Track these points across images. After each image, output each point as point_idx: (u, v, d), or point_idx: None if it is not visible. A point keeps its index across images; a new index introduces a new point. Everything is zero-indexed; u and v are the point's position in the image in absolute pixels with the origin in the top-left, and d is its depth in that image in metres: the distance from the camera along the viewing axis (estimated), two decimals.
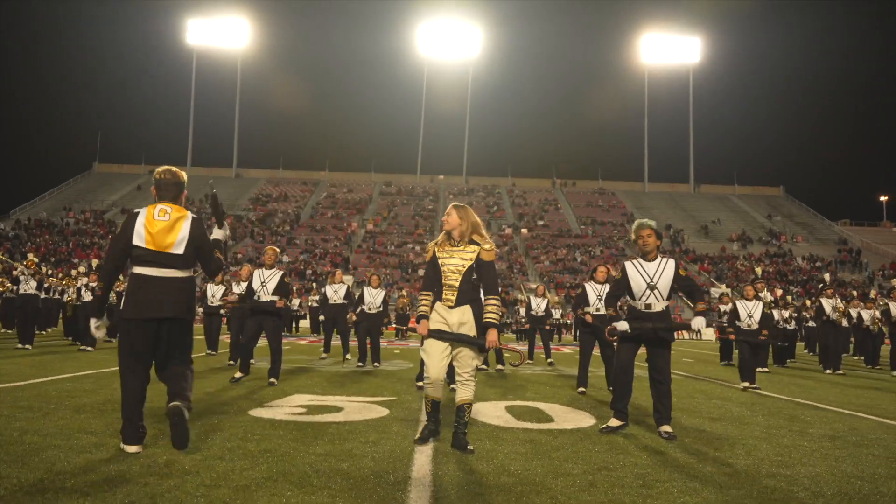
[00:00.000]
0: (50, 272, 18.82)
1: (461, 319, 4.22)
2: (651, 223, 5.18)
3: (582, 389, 7.51)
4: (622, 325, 5.04)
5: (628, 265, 5.19)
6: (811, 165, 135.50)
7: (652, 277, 5.04)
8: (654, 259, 5.10)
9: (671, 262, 5.10)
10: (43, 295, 14.40)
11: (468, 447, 4.07)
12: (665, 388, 5.03)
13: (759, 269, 34.43)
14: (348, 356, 11.38)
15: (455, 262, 4.26)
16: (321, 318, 14.72)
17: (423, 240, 49.60)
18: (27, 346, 11.49)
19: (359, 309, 10.38)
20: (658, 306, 5.04)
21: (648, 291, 5.03)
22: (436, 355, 4.22)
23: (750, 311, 9.12)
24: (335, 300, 11.18)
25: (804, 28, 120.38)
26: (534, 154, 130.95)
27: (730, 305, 14.72)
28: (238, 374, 7.71)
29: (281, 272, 7.96)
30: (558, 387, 8.12)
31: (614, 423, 5.01)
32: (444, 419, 4.57)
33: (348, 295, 11.27)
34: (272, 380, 7.44)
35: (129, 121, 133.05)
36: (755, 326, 9.03)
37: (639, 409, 6.13)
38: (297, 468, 3.48)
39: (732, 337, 8.98)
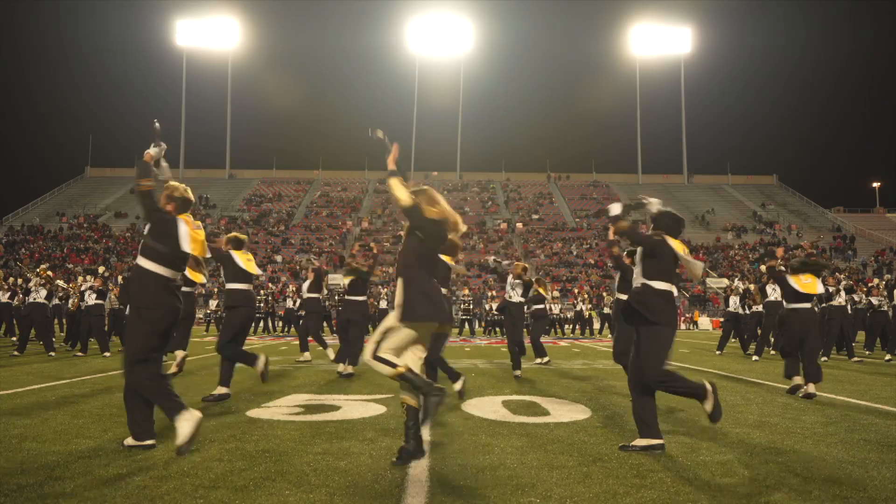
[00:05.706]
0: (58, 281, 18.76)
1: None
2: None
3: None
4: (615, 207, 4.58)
5: None
6: (804, 153, 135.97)
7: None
8: None
9: None
10: (52, 303, 14.35)
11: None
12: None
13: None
14: (307, 353, 10.89)
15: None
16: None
17: None
18: (51, 353, 11.71)
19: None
20: (636, 282, 4.75)
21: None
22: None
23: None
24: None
25: (795, 15, 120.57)
26: (527, 148, 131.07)
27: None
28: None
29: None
30: (555, 380, 8.16)
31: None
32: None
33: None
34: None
35: (120, 124, 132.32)
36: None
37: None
38: (295, 468, 3.52)
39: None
